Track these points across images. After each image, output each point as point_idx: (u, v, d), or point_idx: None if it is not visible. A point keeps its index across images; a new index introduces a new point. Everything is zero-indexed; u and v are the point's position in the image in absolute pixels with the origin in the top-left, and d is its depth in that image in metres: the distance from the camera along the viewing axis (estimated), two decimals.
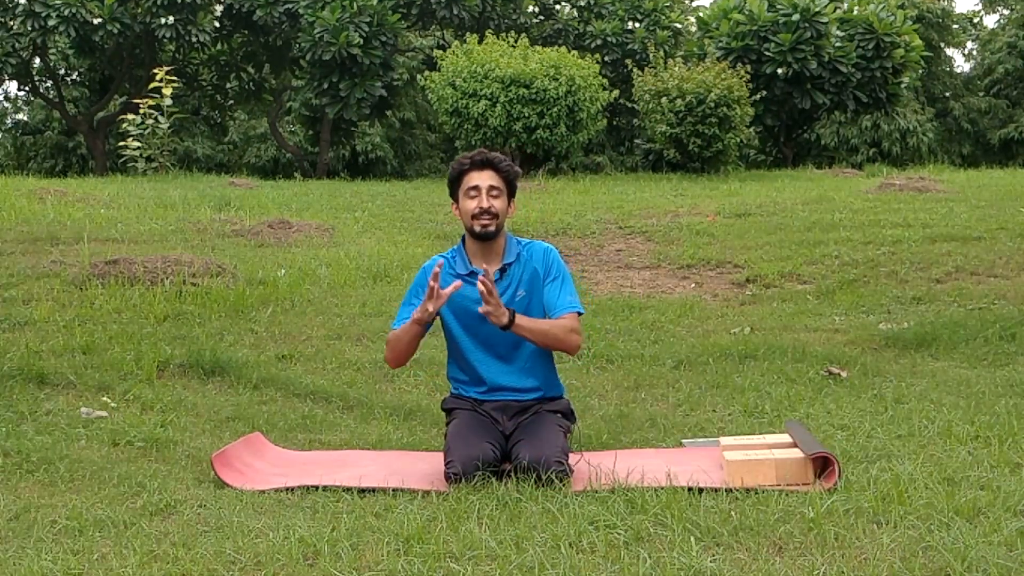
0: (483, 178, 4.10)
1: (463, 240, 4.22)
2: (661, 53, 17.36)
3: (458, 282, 3.99)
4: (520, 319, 3.97)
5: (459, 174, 4.14)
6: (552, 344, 4.09)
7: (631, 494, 3.52)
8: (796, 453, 3.81)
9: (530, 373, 4.17)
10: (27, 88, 24.95)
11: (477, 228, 4.08)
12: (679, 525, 3.20)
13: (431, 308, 3.93)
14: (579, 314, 4.13)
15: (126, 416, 4.86)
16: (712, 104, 14.94)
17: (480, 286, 3.86)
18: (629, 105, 19.23)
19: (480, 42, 16.23)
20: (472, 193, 4.09)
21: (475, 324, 4.09)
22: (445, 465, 3.87)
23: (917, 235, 9.14)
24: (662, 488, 3.55)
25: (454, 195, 4.19)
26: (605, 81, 16.47)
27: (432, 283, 3.90)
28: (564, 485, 3.71)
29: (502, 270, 4.13)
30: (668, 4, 21.77)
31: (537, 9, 22.63)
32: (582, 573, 2.90)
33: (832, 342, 6.40)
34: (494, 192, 4.09)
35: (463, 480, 3.76)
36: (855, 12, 18.45)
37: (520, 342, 4.12)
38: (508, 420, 4.11)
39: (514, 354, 4.16)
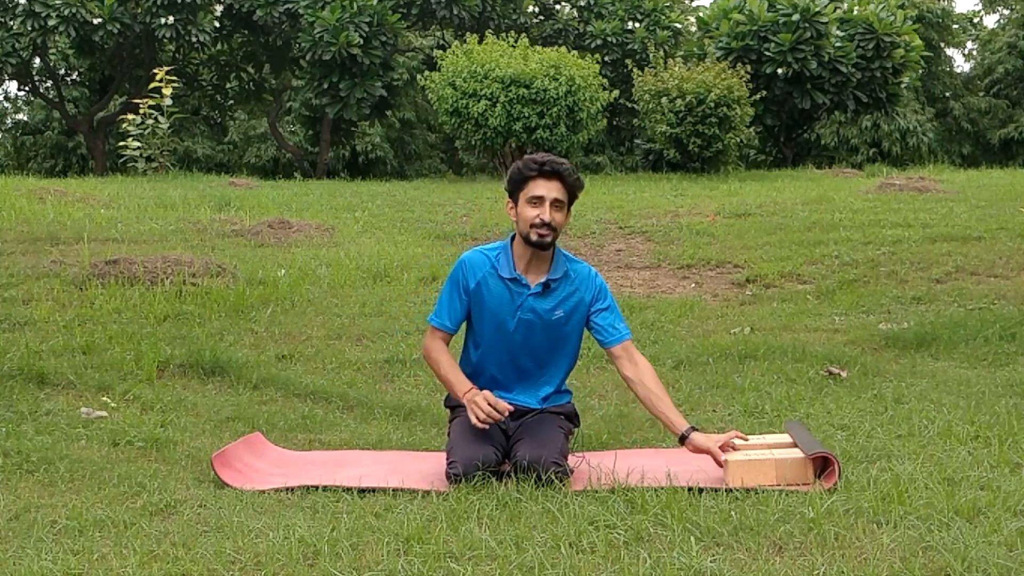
0: (549, 188, 3.96)
1: (511, 240, 4.12)
2: (661, 53, 17.38)
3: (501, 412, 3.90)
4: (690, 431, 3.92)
5: (524, 179, 4.00)
6: None
7: (631, 494, 3.52)
8: (796, 453, 3.81)
9: (543, 387, 4.16)
10: (27, 88, 24.96)
11: (534, 237, 3.96)
12: (679, 525, 3.20)
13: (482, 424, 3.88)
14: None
15: (126, 416, 4.86)
16: (712, 104, 14.94)
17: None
18: (629, 105, 19.24)
19: (480, 42, 16.22)
20: (535, 202, 3.95)
21: (508, 332, 4.06)
22: (447, 465, 3.87)
23: (917, 235, 9.14)
24: (662, 488, 3.55)
25: (513, 196, 4.05)
26: (605, 81, 16.47)
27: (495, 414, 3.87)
28: (564, 485, 3.71)
29: (545, 285, 4.05)
30: (668, 4, 21.79)
31: (537, 9, 22.64)
32: (582, 573, 2.90)
33: (832, 342, 6.40)
34: (557, 204, 3.96)
35: (463, 480, 3.76)
36: (855, 12, 18.45)
37: (545, 362, 4.12)
38: (512, 421, 4.11)
39: (536, 371, 4.14)
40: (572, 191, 4.01)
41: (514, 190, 4.05)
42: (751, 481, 3.69)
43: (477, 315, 4.12)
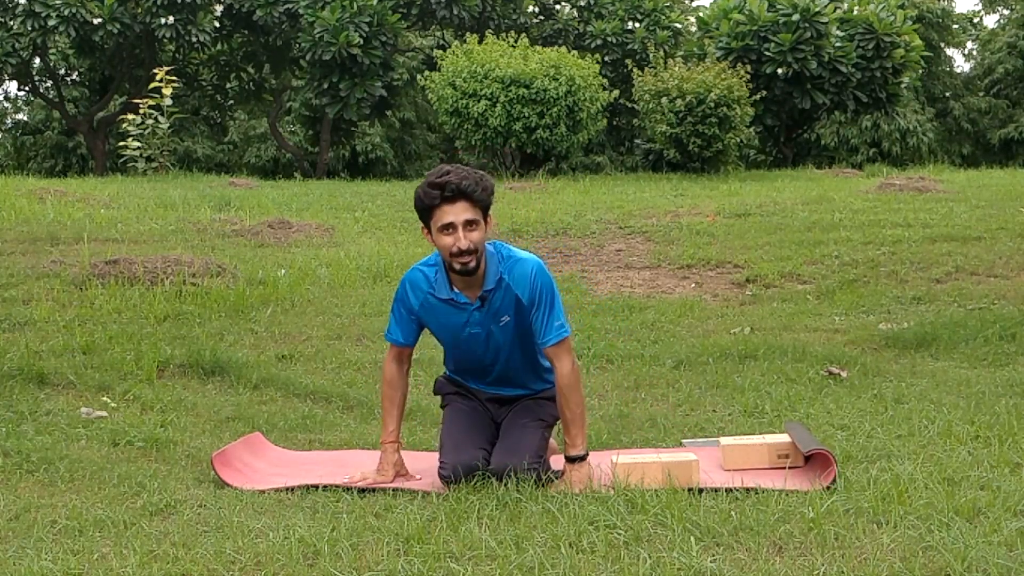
0: (457, 212, 3.70)
1: (444, 263, 3.90)
2: (661, 53, 17.37)
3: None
4: (584, 449, 3.84)
5: (429, 208, 3.74)
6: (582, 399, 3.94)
7: (631, 494, 3.52)
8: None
9: (525, 381, 4.13)
10: (27, 88, 24.94)
11: (457, 267, 3.76)
12: (679, 525, 3.20)
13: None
14: (566, 337, 3.88)
15: (126, 416, 4.86)
16: (712, 104, 14.93)
17: None
18: (629, 105, 19.22)
19: (480, 42, 16.23)
20: (448, 231, 3.71)
21: (459, 344, 4.02)
22: (439, 464, 3.88)
23: (917, 235, 9.14)
24: (662, 488, 3.55)
25: (425, 223, 3.80)
26: (605, 81, 16.48)
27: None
28: (543, 483, 3.72)
29: (482, 299, 3.89)
30: (668, 4, 21.76)
31: (537, 9, 22.62)
32: (582, 573, 2.90)
33: (832, 342, 6.40)
34: (471, 226, 3.71)
35: (452, 482, 3.77)
36: (855, 12, 18.43)
37: (514, 362, 4.04)
38: (501, 408, 4.11)
39: (508, 371, 4.08)
40: (482, 204, 3.75)
41: (423, 219, 3.81)
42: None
43: (433, 330, 4.06)
